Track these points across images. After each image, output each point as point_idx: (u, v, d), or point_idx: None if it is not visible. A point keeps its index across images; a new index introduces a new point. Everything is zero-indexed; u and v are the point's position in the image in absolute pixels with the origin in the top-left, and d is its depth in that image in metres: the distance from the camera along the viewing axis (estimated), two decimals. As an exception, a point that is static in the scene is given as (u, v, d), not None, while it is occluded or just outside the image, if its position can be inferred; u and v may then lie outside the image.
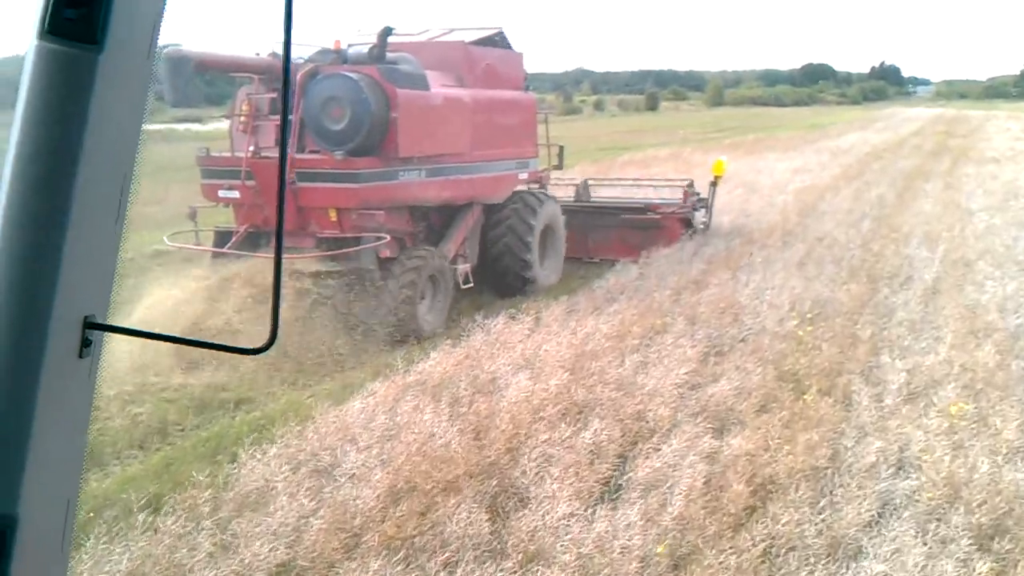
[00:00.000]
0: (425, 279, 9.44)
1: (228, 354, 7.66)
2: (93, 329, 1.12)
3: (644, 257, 12.27)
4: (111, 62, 1.06)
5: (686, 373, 7.39)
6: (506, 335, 8.63)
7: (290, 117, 8.71)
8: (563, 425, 6.23)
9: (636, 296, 10.23)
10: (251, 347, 1.21)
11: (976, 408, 6.58)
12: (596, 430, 6.04)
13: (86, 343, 1.12)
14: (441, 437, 5.93)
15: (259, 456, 5.78)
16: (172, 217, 10.63)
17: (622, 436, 6.13)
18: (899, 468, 5.68)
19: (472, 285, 10.56)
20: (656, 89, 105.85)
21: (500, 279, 11.14)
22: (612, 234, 12.99)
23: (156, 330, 1.52)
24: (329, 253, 8.92)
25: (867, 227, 14.98)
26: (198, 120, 23.52)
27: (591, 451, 5.80)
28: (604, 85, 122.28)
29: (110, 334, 1.17)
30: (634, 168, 23.27)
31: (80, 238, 1.07)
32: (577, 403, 6.69)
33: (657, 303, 9.74)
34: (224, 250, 9.17)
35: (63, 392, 1.10)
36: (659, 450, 5.82)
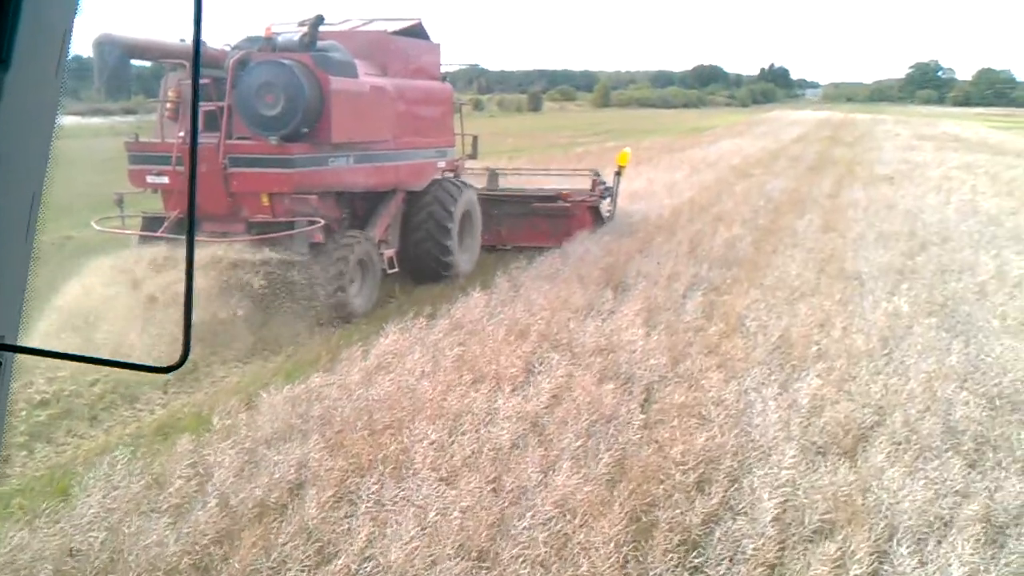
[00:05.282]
0: (355, 263, 9.41)
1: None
2: (3, 350, 1.06)
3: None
4: (19, 79, 1.02)
5: None
6: None
7: (201, 105, 8.69)
8: None
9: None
10: (163, 365, 1.17)
11: None
12: None
13: None
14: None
15: None
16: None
17: None
18: None
19: (397, 270, 10.43)
20: (542, 88, 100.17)
21: (421, 265, 11.07)
22: (524, 222, 12.97)
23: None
24: (262, 237, 8.75)
25: (691, 317, 8.76)
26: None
27: None
28: (499, 84, 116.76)
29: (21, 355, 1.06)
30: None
31: None
32: None
33: None
34: (156, 234, 8.75)
35: None
36: None
